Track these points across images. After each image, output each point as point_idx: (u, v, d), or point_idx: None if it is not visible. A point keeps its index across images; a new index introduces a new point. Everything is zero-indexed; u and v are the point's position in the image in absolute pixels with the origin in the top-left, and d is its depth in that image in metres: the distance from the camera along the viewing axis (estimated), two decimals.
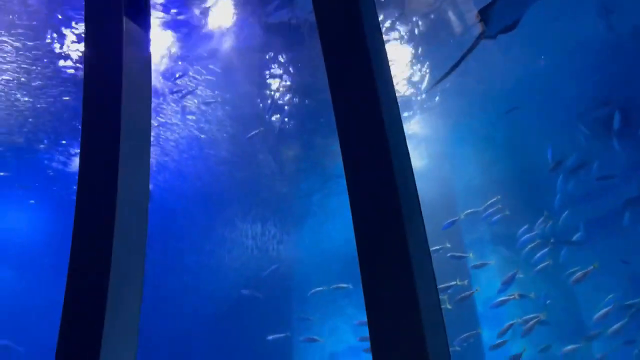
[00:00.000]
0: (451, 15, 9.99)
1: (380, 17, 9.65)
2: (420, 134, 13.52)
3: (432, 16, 9.91)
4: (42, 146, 12.48)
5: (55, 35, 9.30)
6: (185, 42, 10.01)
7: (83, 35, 2.87)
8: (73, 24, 9.06)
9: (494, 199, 12.89)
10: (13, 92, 10.60)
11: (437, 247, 11.99)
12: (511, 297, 11.67)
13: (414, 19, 9.94)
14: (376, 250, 1.54)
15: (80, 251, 1.90)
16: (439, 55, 10.67)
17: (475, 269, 13.13)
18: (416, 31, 10.19)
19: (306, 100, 11.84)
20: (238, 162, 14.14)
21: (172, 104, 11.80)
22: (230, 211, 16.48)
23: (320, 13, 1.94)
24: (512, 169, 14.72)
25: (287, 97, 11.84)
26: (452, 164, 15.17)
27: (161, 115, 12.07)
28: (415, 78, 11.55)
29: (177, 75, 10.83)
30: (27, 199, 14.66)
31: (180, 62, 10.55)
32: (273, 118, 12.41)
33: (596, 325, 11.35)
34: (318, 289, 15.08)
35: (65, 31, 9.21)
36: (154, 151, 13.04)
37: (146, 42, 2.36)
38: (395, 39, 10.34)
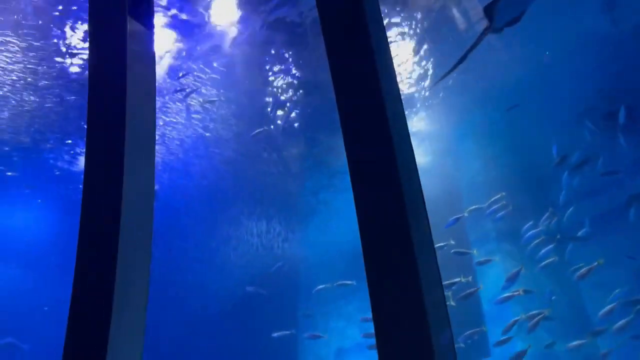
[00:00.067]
0: (455, 12, 9.95)
1: (384, 14, 9.62)
2: (424, 131, 13.50)
3: (435, 12, 9.87)
4: (48, 146, 12.54)
5: (60, 34, 9.32)
6: (188, 41, 10.02)
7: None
8: (79, 23, 9.08)
9: (499, 196, 12.86)
10: (20, 92, 10.65)
11: (442, 244, 11.96)
12: (515, 293, 11.64)
13: (418, 15, 9.90)
14: (381, 247, 1.54)
15: (86, 250, 1.91)
16: (443, 52, 10.64)
17: (481, 266, 13.11)
18: (419, 28, 10.16)
19: (311, 98, 11.84)
20: (243, 160, 14.16)
21: (178, 104, 11.83)
22: (236, 209, 16.53)
23: (323, 10, 1.94)
24: (516, 165, 14.68)
25: (292, 94, 11.83)
26: (456, 161, 15.15)
27: (166, 114, 12.10)
28: (419, 75, 11.52)
29: (180, 75, 10.85)
30: (33, 199, 14.74)
31: (184, 61, 10.57)
32: (278, 113, 12.41)
33: (602, 322, 11.32)
34: (322, 286, 15.12)
35: (71, 31, 9.24)
36: (159, 150, 13.08)
37: (150, 41, 2.36)
38: (399, 35, 10.31)
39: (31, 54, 9.69)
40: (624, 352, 11.41)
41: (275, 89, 11.70)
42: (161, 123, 12.27)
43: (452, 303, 11.25)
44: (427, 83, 11.75)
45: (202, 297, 18.24)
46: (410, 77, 11.55)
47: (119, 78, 2.11)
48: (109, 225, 1.88)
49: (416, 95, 12.11)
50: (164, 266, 15.66)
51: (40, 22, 8.98)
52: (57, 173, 13.62)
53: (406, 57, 10.94)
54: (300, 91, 11.70)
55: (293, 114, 12.49)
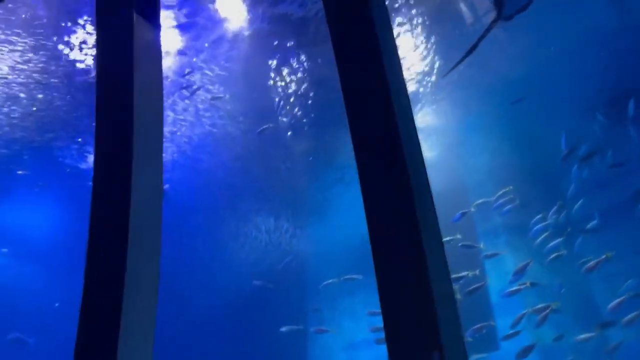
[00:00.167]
0: (462, 5, 9.89)
1: (390, 7, 9.57)
2: (431, 125, 13.45)
3: (442, 6, 9.81)
4: (58, 144, 12.63)
5: (69, 32, 9.36)
6: (194, 38, 10.03)
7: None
8: (87, 20, 9.12)
9: (506, 189, 12.80)
10: (30, 90, 10.72)
11: (449, 238, 11.94)
12: (523, 286, 11.60)
13: (422, 10, 9.84)
14: (389, 242, 1.55)
15: (96, 247, 1.93)
16: (450, 46, 10.57)
17: (488, 260, 13.07)
18: (427, 21, 10.10)
19: (318, 93, 11.81)
20: (251, 157, 14.17)
21: (187, 101, 11.85)
22: (244, 206, 16.56)
23: (329, 5, 1.94)
24: (523, 158, 14.59)
25: (298, 89, 11.81)
26: (463, 155, 15.08)
27: (174, 111, 12.13)
28: (424, 70, 11.46)
29: (186, 72, 10.87)
30: (44, 197, 14.86)
31: (190, 58, 10.58)
32: (287, 109, 12.40)
33: (611, 314, 11.26)
34: (329, 281, 15.17)
35: (81, 28, 9.29)
36: (166, 148, 13.12)
37: (157, 38, 2.37)
38: (407, 30, 10.26)
39: (41, 53, 9.75)
40: (635, 345, 11.35)
41: (281, 85, 11.70)
42: (169, 120, 12.31)
43: (459, 297, 11.24)
44: (433, 78, 11.69)
45: (211, 293, 18.32)
46: (415, 72, 11.50)
47: (126, 75, 2.13)
48: (118, 222, 1.89)
49: (421, 90, 12.07)
50: (173, 263, 15.73)
51: (49, 20, 9.03)
52: (68, 171, 13.71)
53: (412, 52, 10.88)
54: (309, 86, 11.68)
55: (301, 110, 12.48)
